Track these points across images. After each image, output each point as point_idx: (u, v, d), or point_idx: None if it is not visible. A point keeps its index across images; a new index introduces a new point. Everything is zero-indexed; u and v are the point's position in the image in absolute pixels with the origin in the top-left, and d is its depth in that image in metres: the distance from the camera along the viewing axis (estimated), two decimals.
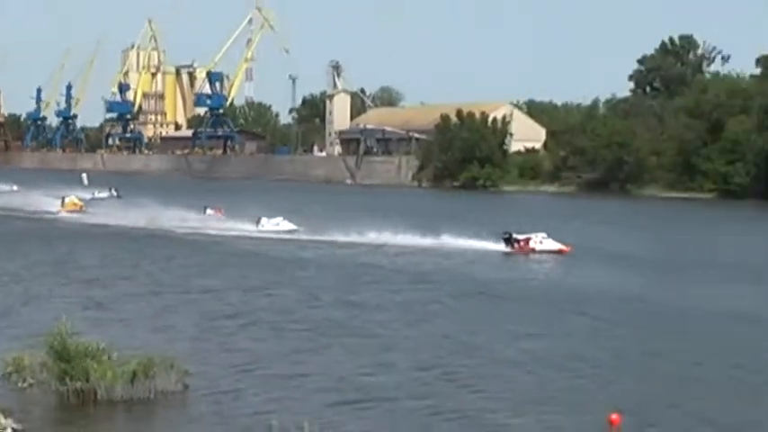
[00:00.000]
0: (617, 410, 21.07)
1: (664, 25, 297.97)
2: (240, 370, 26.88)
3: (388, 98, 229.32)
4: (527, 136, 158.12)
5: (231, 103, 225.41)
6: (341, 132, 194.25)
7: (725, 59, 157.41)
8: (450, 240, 59.45)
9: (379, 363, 27.81)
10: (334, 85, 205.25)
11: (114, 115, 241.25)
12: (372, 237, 61.34)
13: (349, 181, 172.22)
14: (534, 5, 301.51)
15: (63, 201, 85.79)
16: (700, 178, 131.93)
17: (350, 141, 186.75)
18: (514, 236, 58.63)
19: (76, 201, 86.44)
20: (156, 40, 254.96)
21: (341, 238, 61.62)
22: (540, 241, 58.19)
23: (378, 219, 66.00)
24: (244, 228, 68.44)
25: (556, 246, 57.68)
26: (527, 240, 58.24)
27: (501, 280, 46.03)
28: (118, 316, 34.56)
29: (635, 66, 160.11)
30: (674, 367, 27.74)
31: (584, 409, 22.96)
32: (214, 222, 72.69)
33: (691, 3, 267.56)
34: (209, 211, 79.61)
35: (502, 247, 58.15)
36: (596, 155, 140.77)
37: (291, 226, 68.69)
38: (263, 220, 69.53)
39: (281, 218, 69.90)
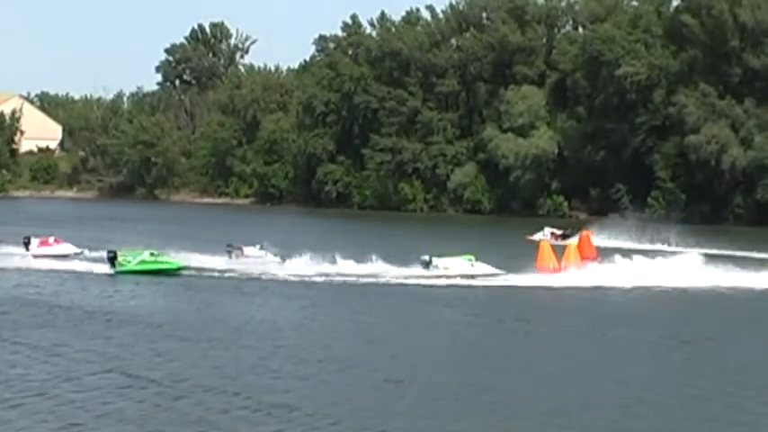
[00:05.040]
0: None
1: (193, 12, 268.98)
2: None
3: None
4: (41, 133, 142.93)
5: None
6: None
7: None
8: None
9: None
10: None
11: None
12: None
13: None
14: None
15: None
16: (236, 182, 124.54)
17: None
18: None
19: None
20: None
21: None
22: None
23: None
24: None
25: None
26: None
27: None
28: None
29: (163, 56, 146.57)
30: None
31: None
32: None
33: None
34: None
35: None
36: (121, 156, 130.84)
37: None
38: None
39: None
